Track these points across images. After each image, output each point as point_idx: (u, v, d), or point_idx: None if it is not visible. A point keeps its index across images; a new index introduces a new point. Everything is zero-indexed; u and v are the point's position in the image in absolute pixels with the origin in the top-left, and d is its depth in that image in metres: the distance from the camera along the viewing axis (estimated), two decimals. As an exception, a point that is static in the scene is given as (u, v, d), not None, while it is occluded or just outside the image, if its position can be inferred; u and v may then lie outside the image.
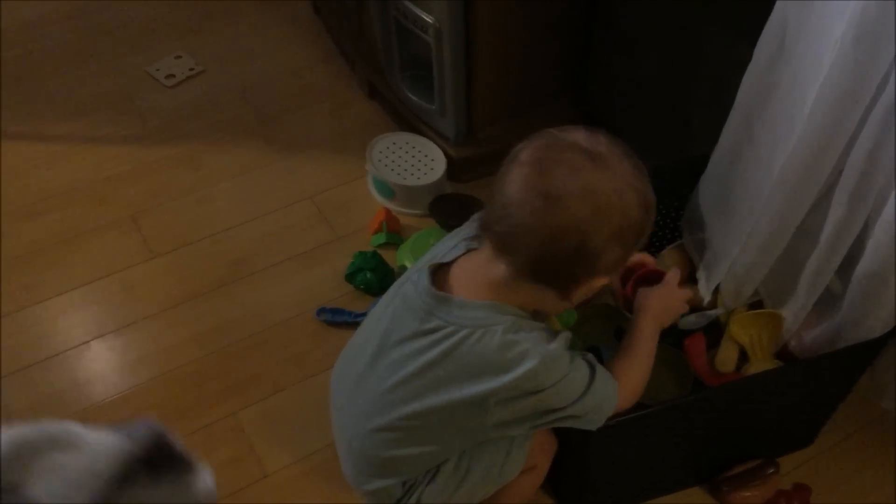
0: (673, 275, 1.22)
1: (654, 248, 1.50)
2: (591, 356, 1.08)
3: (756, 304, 1.36)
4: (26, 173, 1.91)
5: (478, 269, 1.04)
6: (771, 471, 1.34)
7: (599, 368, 1.07)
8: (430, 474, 1.13)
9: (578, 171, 0.94)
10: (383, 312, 1.13)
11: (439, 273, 1.07)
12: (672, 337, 1.38)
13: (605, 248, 0.96)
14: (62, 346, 1.58)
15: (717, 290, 1.37)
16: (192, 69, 2.16)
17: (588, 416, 1.06)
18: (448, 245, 1.11)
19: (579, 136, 0.97)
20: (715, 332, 1.36)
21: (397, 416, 1.08)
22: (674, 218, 1.49)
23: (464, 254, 1.07)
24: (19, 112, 2.05)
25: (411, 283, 1.07)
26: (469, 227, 1.13)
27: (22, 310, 1.63)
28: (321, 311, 1.60)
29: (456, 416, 1.05)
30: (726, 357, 1.31)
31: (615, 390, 1.08)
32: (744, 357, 1.33)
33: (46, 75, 2.15)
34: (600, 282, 1.01)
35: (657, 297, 1.18)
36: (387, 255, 1.68)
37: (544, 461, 1.23)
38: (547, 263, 0.97)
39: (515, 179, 0.96)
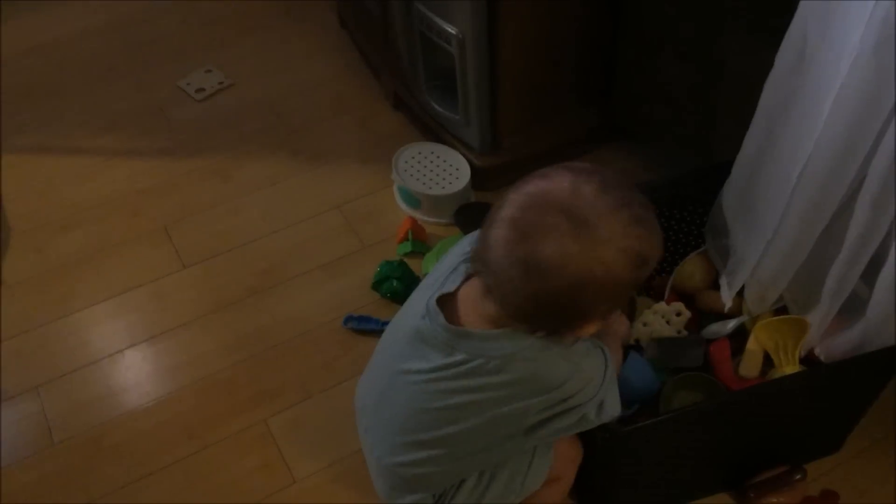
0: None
1: (678, 255, 1.51)
2: (600, 343, 1.08)
3: (781, 310, 1.36)
4: (61, 186, 1.95)
5: (476, 301, 1.02)
6: (798, 477, 1.33)
7: (607, 352, 1.07)
8: (457, 486, 1.15)
9: (558, 239, 0.90)
10: (396, 336, 1.14)
11: (447, 303, 1.06)
12: (696, 345, 1.39)
13: (591, 306, 0.95)
14: (97, 355, 1.61)
15: (741, 297, 1.37)
16: (221, 83, 2.20)
17: (606, 403, 1.06)
18: (448, 266, 1.10)
19: (564, 190, 0.92)
20: (740, 338, 1.36)
21: (422, 440, 1.09)
22: (697, 225, 1.49)
23: (465, 280, 1.06)
24: (54, 126, 2.11)
25: (427, 321, 1.05)
26: (469, 241, 1.10)
27: (58, 319, 1.67)
28: (348, 318, 1.62)
29: (493, 432, 1.06)
30: (751, 363, 1.31)
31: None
32: (769, 363, 1.33)
33: (80, 90, 2.20)
34: (593, 328, 1.00)
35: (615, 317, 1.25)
36: (413, 264, 1.70)
37: (569, 472, 1.23)
38: (532, 317, 0.97)
39: (497, 239, 0.94)
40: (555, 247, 0.90)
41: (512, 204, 0.95)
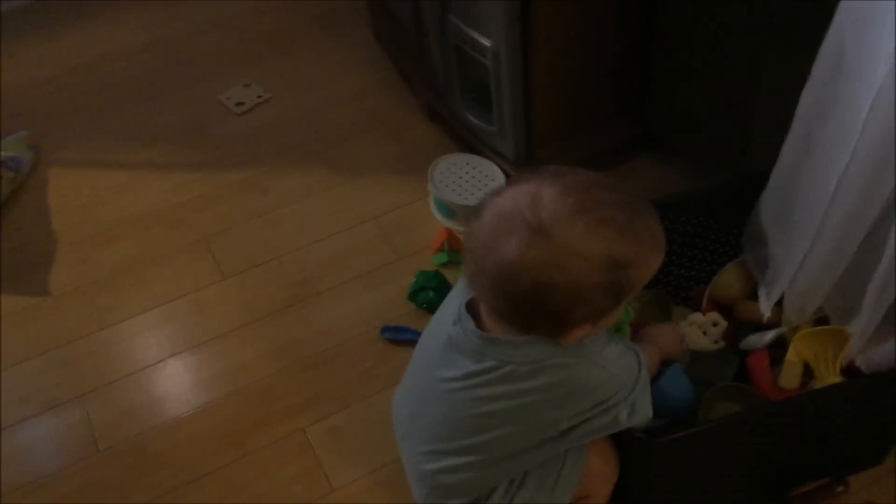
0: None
1: (715, 264, 1.50)
2: (635, 345, 1.09)
3: (822, 321, 1.34)
4: (105, 200, 2.00)
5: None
6: (840, 489, 1.31)
7: (641, 355, 1.08)
8: (486, 494, 1.15)
9: (516, 248, 0.91)
10: (430, 344, 1.15)
11: (476, 309, 1.07)
12: (735, 354, 1.38)
13: (565, 311, 0.94)
14: (140, 364, 1.65)
15: (780, 307, 1.36)
16: (260, 96, 2.24)
17: (638, 406, 1.06)
18: None
19: (525, 197, 0.93)
20: (779, 349, 1.35)
21: (462, 446, 1.10)
22: (736, 234, 1.48)
23: None
24: (98, 141, 2.16)
25: (458, 327, 1.07)
26: None
27: (103, 329, 1.71)
28: (385, 329, 1.64)
29: (529, 437, 1.07)
30: (790, 373, 1.29)
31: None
32: (810, 374, 1.31)
33: (123, 106, 2.26)
34: (582, 331, 0.99)
35: (663, 331, 1.30)
36: (448, 274, 1.71)
37: (601, 490, 1.21)
38: (517, 323, 0.99)
39: (470, 251, 0.98)
40: (513, 255, 0.91)
41: (482, 214, 0.97)
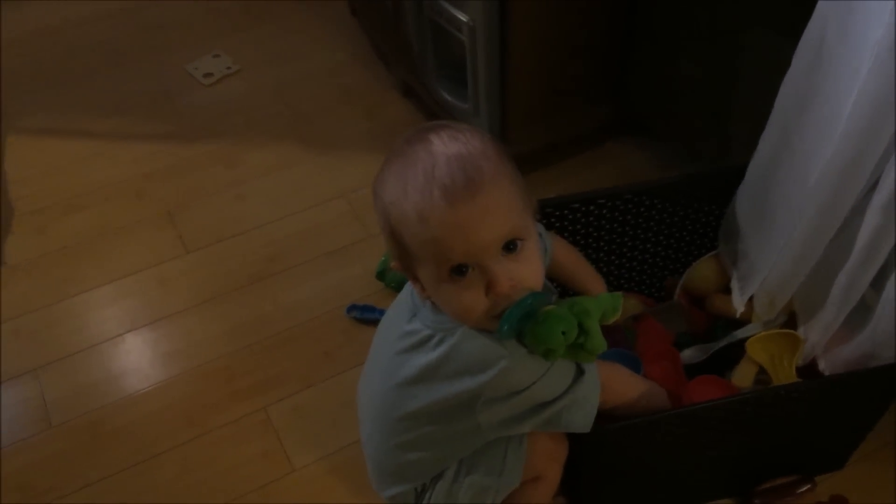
0: None
1: (691, 255, 1.48)
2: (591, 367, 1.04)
3: (788, 324, 1.32)
4: (66, 169, 1.95)
5: None
6: (806, 487, 1.29)
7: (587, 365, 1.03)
8: (436, 480, 1.13)
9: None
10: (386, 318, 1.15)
11: None
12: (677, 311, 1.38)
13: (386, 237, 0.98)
14: (97, 338, 1.60)
15: (752, 302, 1.33)
16: (229, 68, 2.19)
17: (578, 407, 1.01)
18: None
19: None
20: (737, 351, 1.32)
21: (393, 421, 1.09)
22: (713, 226, 1.45)
23: None
24: (60, 108, 2.10)
25: (407, 286, 1.07)
26: None
27: (59, 302, 1.66)
28: (351, 308, 1.61)
29: (447, 418, 1.04)
30: (744, 373, 1.28)
31: (597, 378, 1.03)
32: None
33: (89, 73, 2.20)
34: (415, 285, 0.99)
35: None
36: (418, 254, 1.68)
37: (552, 470, 1.18)
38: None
39: None
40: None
41: None
